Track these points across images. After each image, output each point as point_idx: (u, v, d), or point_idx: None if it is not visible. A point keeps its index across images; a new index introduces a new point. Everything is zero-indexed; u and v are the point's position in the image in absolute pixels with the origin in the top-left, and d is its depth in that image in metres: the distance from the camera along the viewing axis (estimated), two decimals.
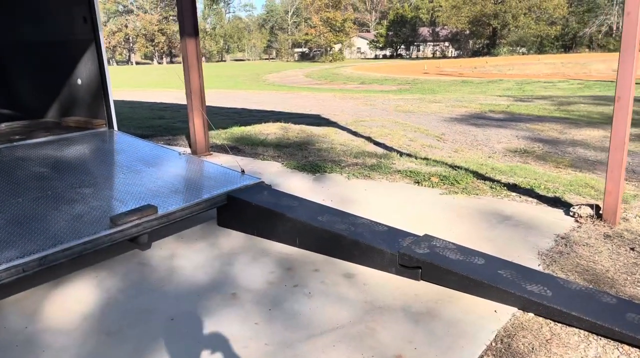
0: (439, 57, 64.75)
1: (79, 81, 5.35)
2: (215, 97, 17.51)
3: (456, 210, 4.08)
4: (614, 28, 55.62)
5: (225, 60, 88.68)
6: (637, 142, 7.28)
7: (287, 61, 73.32)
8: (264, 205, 3.61)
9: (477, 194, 4.49)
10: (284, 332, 2.48)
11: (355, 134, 8.38)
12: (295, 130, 8.65)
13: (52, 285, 3.04)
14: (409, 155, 6.45)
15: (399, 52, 73.56)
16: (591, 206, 3.79)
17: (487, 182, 4.91)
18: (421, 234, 3.25)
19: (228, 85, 26.34)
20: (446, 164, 5.84)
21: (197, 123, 5.92)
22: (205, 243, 3.60)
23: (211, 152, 6.24)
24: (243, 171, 4.22)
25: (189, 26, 5.62)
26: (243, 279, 3.05)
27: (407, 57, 71.43)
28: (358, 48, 78.86)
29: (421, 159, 6.22)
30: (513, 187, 4.73)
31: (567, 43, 60.16)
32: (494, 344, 2.33)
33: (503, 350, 2.28)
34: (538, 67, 34.70)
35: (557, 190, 4.60)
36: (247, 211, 3.70)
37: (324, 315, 2.62)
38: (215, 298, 2.83)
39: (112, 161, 4.47)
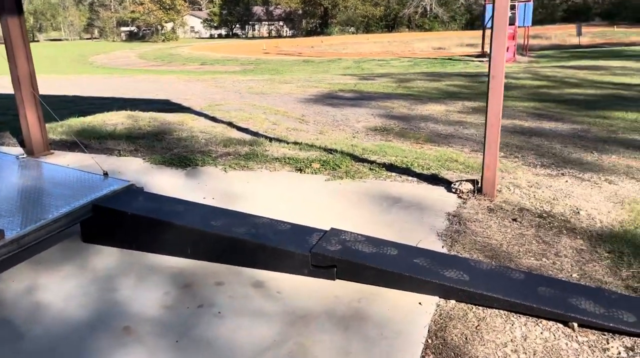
0: (275, 37, 65.22)
1: None
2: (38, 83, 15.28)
3: (346, 196, 3.98)
4: (428, 9, 61.42)
5: (38, 40, 78.35)
6: (473, 114, 8.01)
7: (114, 41, 67.39)
8: (144, 213, 3.09)
9: (360, 178, 4.45)
10: None
11: (214, 119, 7.90)
12: (146, 119, 7.86)
13: None
14: (278, 140, 6.23)
15: (234, 31, 72.36)
16: (470, 181, 3.98)
17: (365, 164, 4.92)
18: (324, 228, 3.06)
19: (50, 68, 23.20)
20: (320, 147, 5.74)
21: (30, 117, 4.94)
22: (72, 267, 2.97)
23: (52, 151, 5.30)
24: (106, 173, 3.59)
25: (10, 1, 4.60)
26: (133, 306, 2.56)
27: (243, 36, 70.67)
28: (192, 27, 75.69)
29: (292, 143, 6.05)
30: (390, 167, 4.80)
31: (390, 23, 64.85)
32: (430, 341, 2.25)
33: (441, 347, 2.21)
34: (369, 45, 36.84)
35: (431, 167, 4.78)
36: (121, 222, 3.14)
37: (243, 337, 2.30)
38: (104, 337, 2.31)
39: None
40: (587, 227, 3.43)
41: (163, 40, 58.83)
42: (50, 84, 15.08)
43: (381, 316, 2.43)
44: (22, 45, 4.79)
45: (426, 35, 42.19)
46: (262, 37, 65.00)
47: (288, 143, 6.06)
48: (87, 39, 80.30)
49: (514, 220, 3.51)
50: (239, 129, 7.12)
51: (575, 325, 2.32)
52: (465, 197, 3.88)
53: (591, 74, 13.18)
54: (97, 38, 76.75)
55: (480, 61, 19.17)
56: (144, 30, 67.60)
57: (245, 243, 2.88)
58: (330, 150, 5.58)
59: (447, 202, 3.80)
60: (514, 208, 3.71)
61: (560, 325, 2.35)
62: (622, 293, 2.57)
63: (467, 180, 4.02)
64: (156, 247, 3.10)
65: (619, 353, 2.16)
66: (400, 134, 6.89)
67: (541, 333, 2.30)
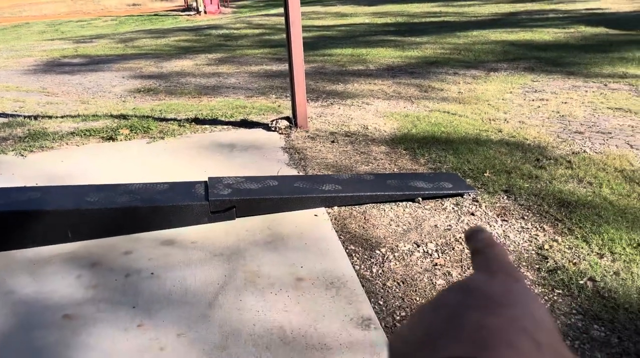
0: None
1: None
2: None
3: (184, 152, 4.11)
4: None
5: None
6: (222, 65, 8.53)
7: None
8: (1, 208, 2.71)
9: (180, 134, 4.56)
10: (183, 317, 2.24)
11: None
12: None
13: None
14: (42, 117, 5.60)
15: None
16: (284, 118, 4.57)
17: (170, 122, 4.99)
18: (197, 180, 3.26)
19: None
20: (101, 116, 5.44)
21: None
22: None
23: None
24: None
25: None
26: (54, 298, 2.38)
27: None
28: None
29: (63, 117, 5.54)
30: (197, 121, 5.01)
31: None
32: (342, 237, 2.84)
33: (351, 238, 2.83)
34: (50, 6, 32.58)
35: (233, 115, 5.18)
36: None
37: (196, 284, 2.46)
38: (50, 332, 2.16)
39: None
40: (380, 136, 4.46)
41: None
42: None
43: (293, 232, 2.89)
44: None
45: None
46: None
47: (59, 118, 5.52)
48: None
49: (332, 142, 4.30)
50: None
51: (420, 199, 3.23)
52: (285, 132, 4.47)
53: None
54: None
55: (188, 15, 19.42)
56: None
57: (138, 210, 2.88)
58: (117, 117, 5.37)
59: (273, 139, 4.33)
60: (326, 134, 4.49)
61: (410, 203, 3.23)
62: (434, 172, 3.62)
63: (280, 118, 4.60)
64: (26, 242, 2.79)
65: (452, 208, 3.16)
66: (168, 91, 6.95)
67: (404, 210, 3.14)
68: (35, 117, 5.54)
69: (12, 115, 5.69)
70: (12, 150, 4.26)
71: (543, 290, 2.37)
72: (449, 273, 2.51)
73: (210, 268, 2.58)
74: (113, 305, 2.33)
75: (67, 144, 4.44)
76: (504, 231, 2.90)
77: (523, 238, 2.81)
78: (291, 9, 4.08)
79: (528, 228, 2.92)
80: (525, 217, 3.04)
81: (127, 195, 2.96)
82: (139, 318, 2.23)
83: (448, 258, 2.63)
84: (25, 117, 5.58)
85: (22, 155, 4.16)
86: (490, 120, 4.94)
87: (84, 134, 4.64)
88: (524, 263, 2.58)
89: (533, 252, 2.67)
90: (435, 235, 2.85)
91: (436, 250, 2.70)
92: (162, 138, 4.48)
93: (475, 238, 0.38)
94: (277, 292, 2.36)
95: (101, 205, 2.85)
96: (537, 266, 2.56)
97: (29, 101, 6.53)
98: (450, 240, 2.80)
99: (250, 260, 2.62)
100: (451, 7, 16.05)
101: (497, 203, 3.22)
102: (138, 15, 21.31)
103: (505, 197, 3.30)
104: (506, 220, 3.01)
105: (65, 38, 14.49)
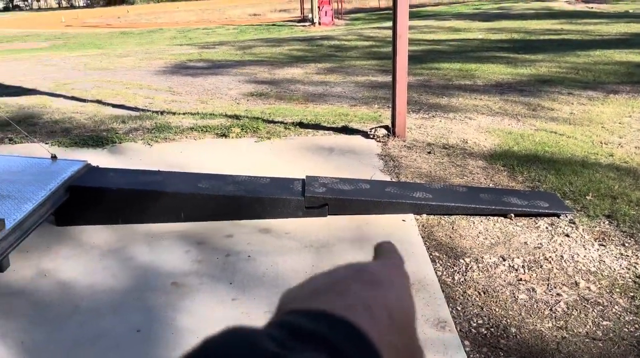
0: (66, 7, 58.44)
1: None
2: None
3: (286, 152, 4.41)
4: None
5: None
6: (330, 74, 8.85)
7: None
8: (130, 186, 3.15)
9: (285, 136, 4.88)
10: (273, 297, 2.46)
11: (76, 99, 7.38)
12: None
13: None
14: (167, 112, 6.24)
15: (15, 3, 62.77)
16: (384, 127, 4.72)
17: (276, 125, 5.34)
18: (295, 177, 3.49)
19: None
20: (217, 115, 5.95)
21: None
22: (68, 249, 2.93)
23: None
24: (54, 156, 3.45)
25: None
26: (165, 266, 2.73)
27: (27, 8, 61.79)
28: None
29: (184, 114, 6.13)
30: (301, 125, 5.31)
31: None
32: (427, 243, 2.92)
33: (437, 245, 2.90)
34: (181, 14, 35.60)
35: (335, 121, 5.42)
36: (103, 199, 3.15)
37: (285, 269, 2.68)
38: (159, 294, 2.49)
39: None
40: (479, 151, 4.44)
41: None
42: None
43: (380, 233, 3.01)
44: None
45: (238, 2, 42.14)
46: (52, 9, 57.63)
47: (181, 114, 6.12)
48: None
49: (429, 153, 4.36)
50: (114, 106, 6.84)
51: (512, 215, 3.20)
52: (382, 140, 4.60)
53: None
54: None
55: (303, 26, 20.26)
56: None
57: (242, 199, 3.18)
58: (230, 117, 5.84)
59: (371, 146, 4.49)
60: (423, 145, 4.56)
61: (502, 218, 3.21)
62: (531, 190, 3.55)
63: (379, 127, 4.75)
64: (146, 218, 3.20)
65: (546, 227, 3.10)
66: (278, 97, 7.36)
67: (494, 224, 3.14)
68: (162, 112, 6.19)
69: (143, 110, 6.41)
70: (141, 140, 4.84)
71: (634, 318, 2.27)
72: (533, 289, 2.49)
73: (301, 257, 2.78)
74: (213, 279, 2.62)
75: (186, 137, 4.94)
76: (599, 255, 2.79)
77: (620, 265, 2.69)
78: (399, 22, 4.22)
79: (628, 255, 2.79)
80: (627, 244, 2.90)
81: (233, 185, 3.28)
82: (234, 293, 2.49)
83: (534, 275, 2.61)
84: (153, 111, 6.26)
85: (149, 144, 4.71)
86: (602, 143, 4.69)
87: (201, 130, 5.13)
88: (617, 290, 2.48)
89: (630, 280, 2.56)
90: (524, 252, 2.82)
91: (522, 266, 2.68)
92: (269, 138, 4.82)
93: (380, 244, 0.46)
94: None
95: (211, 192, 3.18)
96: (632, 294, 2.45)
97: (157, 98, 7.28)
98: (539, 258, 2.76)
99: (338, 254, 2.79)
100: (574, 24, 15.20)
101: (596, 227, 3.10)
102: (257, 25, 22.62)
103: (607, 222, 3.16)
104: (604, 245, 2.89)
105: (192, 44, 15.82)
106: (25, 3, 63.66)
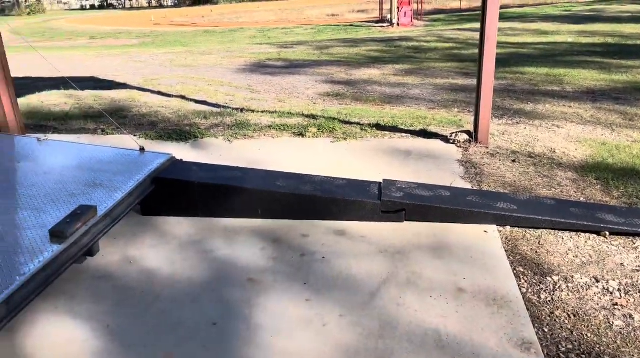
0: (155, 7, 61.70)
1: None
2: None
3: (362, 154, 4.36)
4: None
5: None
6: (408, 76, 8.68)
7: None
8: (212, 181, 3.23)
9: (362, 138, 4.84)
10: (347, 301, 2.43)
11: (162, 94, 7.73)
12: (89, 97, 7.49)
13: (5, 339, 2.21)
14: (247, 110, 6.37)
15: (109, 2, 67.18)
16: (465, 132, 4.55)
17: (353, 126, 5.30)
18: (372, 180, 3.43)
19: None
20: (294, 114, 6.01)
21: (4, 99, 4.62)
22: (152, 238, 3.06)
23: (28, 134, 4.99)
24: (142, 148, 3.61)
25: None
26: (241, 262, 2.77)
27: (120, 7, 65.88)
28: None
29: (263, 112, 6.23)
30: (377, 127, 5.23)
31: None
32: (511, 258, 2.76)
33: (522, 260, 2.74)
34: (262, 14, 36.51)
35: (413, 124, 5.30)
36: (186, 192, 3.25)
37: (360, 273, 2.63)
38: (236, 289, 2.52)
39: None
40: (568, 162, 4.16)
41: (29, 14, 52.97)
42: None
43: (460, 243, 2.89)
44: None
45: (316, 3, 42.59)
46: (142, 8, 61.09)
47: (259, 112, 6.23)
48: None
49: (513, 161, 4.14)
50: (197, 101, 7.09)
51: (607, 233, 2.96)
52: (463, 146, 4.44)
53: None
54: None
55: (381, 26, 20.10)
56: (2, 3, 60.32)
57: (318, 199, 3.17)
58: (307, 116, 5.87)
59: (451, 151, 4.34)
60: (507, 152, 4.34)
61: (594, 236, 2.98)
62: (630, 208, 3.28)
63: (460, 132, 4.58)
64: (224, 212, 3.26)
65: None
66: (355, 97, 7.32)
67: (586, 242, 2.92)
68: (241, 110, 6.34)
69: (223, 106, 6.60)
70: (222, 136, 4.97)
71: None
72: (630, 316, 2.28)
73: (375, 262, 2.72)
74: (288, 278, 2.62)
75: (264, 135, 5.02)
76: None
77: None
78: (488, 24, 4.04)
79: None
80: None
81: (310, 185, 3.28)
82: (308, 294, 2.48)
83: (632, 300, 2.39)
84: (233, 109, 6.43)
85: (229, 141, 4.83)
86: None
87: (279, 128, 5.19)
88: None
89: None
90: (620, 274, 2.60)
91: (618, 290, 2.47)
92: (345, 139, 4.79)
93: None
94: (436, 297, 2.41)
95: (288, 191, 3.20)
96: None
97: (237, 96, 7.47)
98: (637, 281, 2.53)
99: (414, 262, 2.71)
100: None
101: None
102: (335, 25, 22.71)
103: None
104: None
105: (271, 43, 16.15)
106: (119, 2, 67.90)
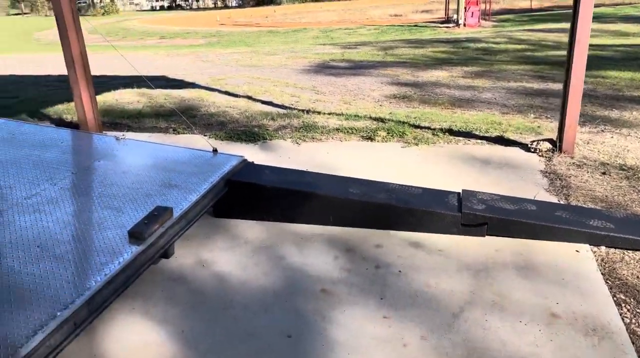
0: (221, 7, 63.36)
1: None
2: None
3: (436, 161, 4.17)
4: None
5: None
6: (478, 78, 8.33)
7: (47, 16, 63.31)
8: (284, 185, 3.16)
9: (434, 143, 4.64)
10: (428, 322, 2.28)
11: (229, 93, 7.82)
12: (160, 96, 7.68)
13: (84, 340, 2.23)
14: (312, 111, 6.31)
15: (177, 2, 69.66)
16: (548, 140, 4.26)
17: (423, 130, 5.11)
18: (447, 189, 3.25)
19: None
20: (361, 116, 5.88)
21: (84, 97, 4.79)
22: (224, 241, 3.03)
23: (105, 132, 5.16)
24: (215, 150, 3.60)
25: None
26: (314, 271, 2.68)
27: (187, 7, 68.16)
28: None
29: (329, 114, 6.14)
30: (450, 132, 5.01)
31: None
32: (609, 282, 2.51)
33: (622, 285, 2.48)
34: (324, 14, 36.62)
35: (489, 130, 5.04)
36: (258, 195, 3.21)
37: (440, 292, 2.48)
38: (310, 299, 2.43)
39: (40, 159, 3.35)
40: None
41: (103, 14, 55.83)
42: (10, 63, 14.23)
43: (549, 263, 2.67)
44: (73, 23, 4.59)
45: (379, 2, 42.25)
46: (208, 8, 62.93)
47: (326, 114, 6.14)
48: (16, 14, 74.96)
49: (603, 173, 3.83)
50: (263, 102, 7.10)
51: None
52: (545, 155, 4.16)
53: (563, 37, 13.80)
54: (28, 13, 71.77)
55: (447, 27, 19.60)
56: (78, 3, 63.90)
57: (393, 208, 3.03)
58: (375, 119, 5.72)
59: (532, 161, 4.07)
60: (595, 164, 4.03)
61: None
62: None
63: (542, 140, 4.30)
64: (296, 217, 3.19)
65: None
66: (422, 100, 7.10)
67: None
68: (307, 111, 6.29)
69: (289, 108, 6.57)
70: (290, 138, 4.93)
71: None
72: None
73: (456, 280, 2.56)
74: (363, 291, 2.50)
75: (332, 138, 4.93)
76: None
77: None
78: (580, 25, 3.76)
79: None
80: None
81: (384, 193, 3.14)
82: (384, 310, 2.35)
83: None
84: (299, 110, 6.39)
85: (297, 143, 4.78)
86: None
87: (347, 131, 5.09)
88: None
89: None
90: None
91: None
92: (416, 144, 4.62)
93: None
94: (527, 322, 2.22)
95: (362, 198, 3.08)
96: None
97: (302, 97, 7.44)
98: None
99: (499, 282, 2.52)
100: None
101: None
102: (399, 26, 22.38)
103: None
104: None
105: (334, 43, 16.10)
106: (187, 2, 70.28)
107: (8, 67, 13.25)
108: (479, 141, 4.69)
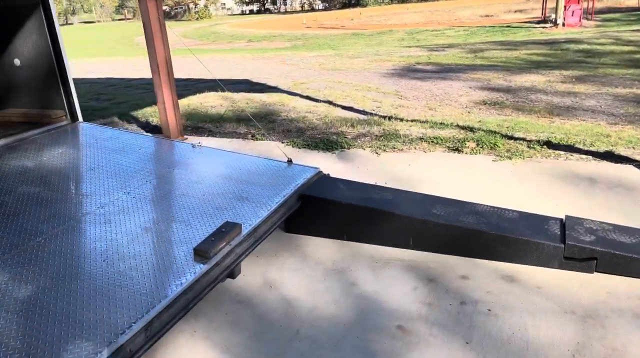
0: (308, 10, 64.30)
1: (17, 61, 3.97)
2: (98, 67, 15.40)
3: (531, 177, 3.74)
4: None
5: (72, 23, 79.36)
6: (579, 84, 7.57)
7: None
8: (361, 202, 2.92)
9: (530, 157, 4.19)
10: None
11: (310, 98, 7.69)
12: (242, 100, 7.72)
13: None
14: (394, 118, 6.00)
15: (266, 6, 71.66)
16: None
17: (518, 142, 4.65)
18: (547, 213, 2.83)
19: (99, 52, 23.37)
20: (447, 125, 5.49)
21: (167, 102, 4.83)
22: (294, 260, 2.84)
23: (185, 136, 5.20)
24: (290, 160, 3.43)
25: None
26: (390, 303, 2.41)
27: (276, 11, 69.90)
28: (223, 4, 75.30)
29: (412, 121, 5.81)
30: (549, 144, 4.51)
31: None
32: None
33: None
34: (410, 15, 35.92)
35: (594, 143, 4.48)
36: (331, 212, 2.99)
37: (538, 338, 2.11)
38: (383, 338, 2.17)
39: (117, 167, 3.37)
40: None
41: (197, 19, 58.68)
42: (112, 67, 15.16)
43: None
44: (159, 29, 4.64)
45: (468, 3, 40.78)
46: (295, 12, 64.11)
47: (408, 121, 5.82)
48: (120, 19, 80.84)
49: None
50: (343, 107, 6.90)
51: None
52: None
53: None
54: (130, 19, 77.14)
55: (543, 27, 18.36)
56: (175, 9, 67.62)
57: (482, 234, 2.68)
58: (462, 128, 5.32)
59: None
60: None
61: None
62: None
63: None
64: (372, 238, 2.94)
65: None
66: (515, 107, 6.55)
67: None
68: (389, 118, 6.00)
69: (370, 114, 6.32)
70: (369, 147, 4.67)
71: None
72: None
73: (559, 326, 2.18)
74: (445, 331, 2.20)
75: (415, 148, 4.61)
76: None
77: None
78: None
79: None
80: None
81: (473, 216, 2.80)
82: (472, 357, 2.03)
83: None
84: (380, 116, 6.11)
85: (377, 153, 4.51)
86: None
87: (431, 141, 4.74)
88: None
89: None
90: None
91: None
92: (510, 158, 4.18)
93: None
94: None
95: (446, 221, 2.76)
96: None
97: (384, 102, 7.15)
98: None
99: (613, 333, 2.11)
100: None
101: None
102: (489, 26, 21.34)
103: None
104: None
105: (420, 46, 15.60)
106: (275, 6, 72.10)
107: (109, 71, 14.12)
108: (583, 156, 4.16)
